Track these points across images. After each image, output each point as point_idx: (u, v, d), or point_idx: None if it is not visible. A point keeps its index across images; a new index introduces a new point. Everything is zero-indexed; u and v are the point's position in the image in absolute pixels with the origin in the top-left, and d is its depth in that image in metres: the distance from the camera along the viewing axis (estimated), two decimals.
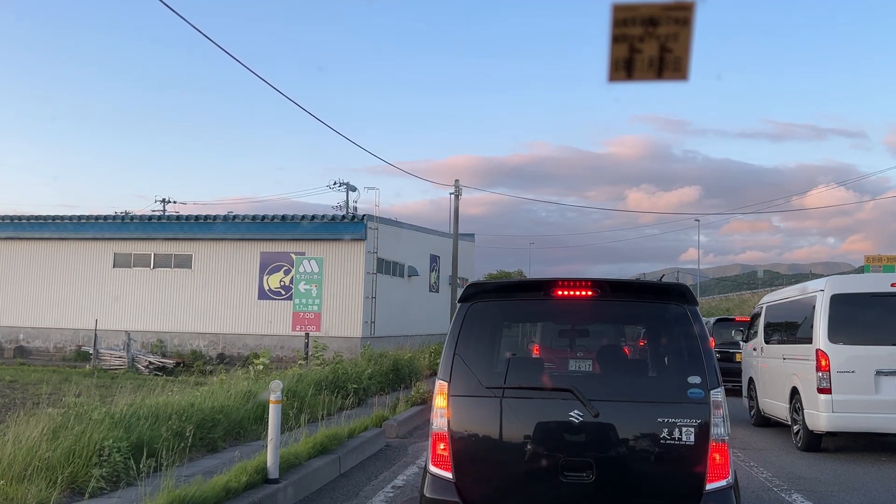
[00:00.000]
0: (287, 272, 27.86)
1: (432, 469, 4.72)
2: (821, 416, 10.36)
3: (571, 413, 4.51)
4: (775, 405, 12.48)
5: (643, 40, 2.37)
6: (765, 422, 13.49)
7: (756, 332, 14.05)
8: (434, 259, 36.37)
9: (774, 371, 12.62)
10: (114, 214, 33.59)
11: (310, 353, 17.79)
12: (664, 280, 7.16)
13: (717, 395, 4.51)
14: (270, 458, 7.11)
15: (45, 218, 32.20)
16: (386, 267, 30.43)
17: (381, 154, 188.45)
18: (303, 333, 20.12)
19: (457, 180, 31.13)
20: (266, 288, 29.05)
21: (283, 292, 28.12)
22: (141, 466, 6.63)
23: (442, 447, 4.69)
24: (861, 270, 46.93)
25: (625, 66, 2.40)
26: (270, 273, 29.06)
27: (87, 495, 6.23)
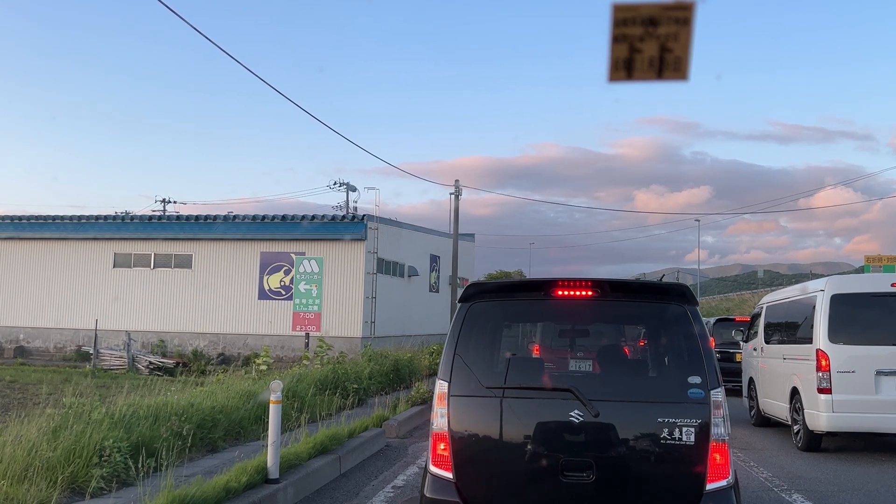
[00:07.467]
0: (287, 272, 27.86)
1: (432, 469, 4.72)
2: (821, 416, 10.36)
3: (571, 413, 4.51)
4: (775, 405, 12.48)
5: (643, 40, 2.37)
6: (765, 422, 13.49)
7: (756, 332, 14.05)
8: (434, 259, 36.36)
9: (774, 371, 12.62)
10: (114, 214, 33.59)
11: (312, 353, 17.76)
12: (664, 280, 7.16)
13: (718, 395, 4.51)
14: (271, 458, 7.10)
15: (45, 218, 32.20)
16: (386, 267, 30.42)
17: (391, 155, 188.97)
18: (303, 333, 20.13)
19: (457, 180, 31.07)
20: (266, 288, 29.05)
21: (284, 292, 28.12)
22: (141, 466, 6.63)
23: (442, 447, 4.69)
24: (861, 270, 46.92)
25: (625, 66, 2.40)
26: (270, 273, 29.06)
27: (87, 495, 6.23)
